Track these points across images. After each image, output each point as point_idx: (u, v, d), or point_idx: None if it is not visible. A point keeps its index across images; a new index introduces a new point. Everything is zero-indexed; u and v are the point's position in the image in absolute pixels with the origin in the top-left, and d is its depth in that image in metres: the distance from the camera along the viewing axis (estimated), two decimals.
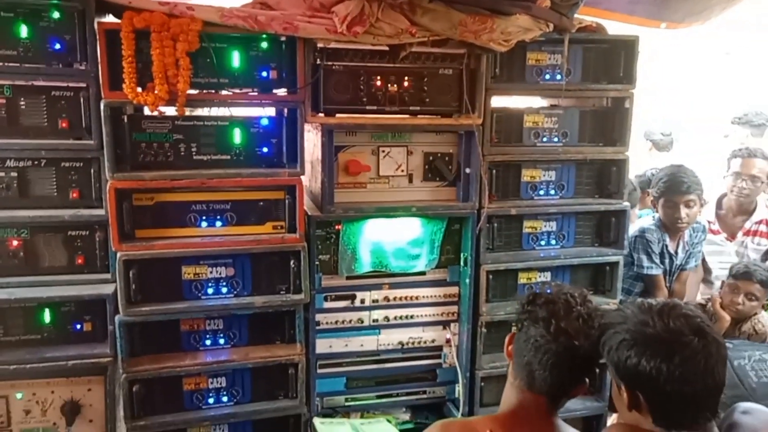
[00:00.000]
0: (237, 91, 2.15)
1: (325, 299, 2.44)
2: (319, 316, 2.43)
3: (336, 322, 2.46)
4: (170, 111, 2.08)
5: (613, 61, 2.51)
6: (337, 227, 2.39)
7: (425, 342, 2.57)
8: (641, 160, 4.85)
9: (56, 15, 2.00)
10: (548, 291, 1.69)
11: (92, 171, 2.13)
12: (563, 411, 1.74)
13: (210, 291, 2.25)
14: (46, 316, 2.17)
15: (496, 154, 2.44)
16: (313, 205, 2.42)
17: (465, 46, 2.26)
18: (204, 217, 2.22)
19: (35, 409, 2.21)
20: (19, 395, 2.19)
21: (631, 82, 2.50)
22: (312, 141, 2.38)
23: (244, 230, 2.26)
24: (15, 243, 2.13)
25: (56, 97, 2.07)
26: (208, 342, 2.32)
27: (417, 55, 2.27)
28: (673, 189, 3.30)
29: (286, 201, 2.24)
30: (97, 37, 1.98)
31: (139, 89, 1.99)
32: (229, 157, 2.21)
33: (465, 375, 2.55)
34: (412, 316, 2.54)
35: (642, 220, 3.69)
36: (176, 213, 2.20)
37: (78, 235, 2.17)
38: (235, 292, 2.27)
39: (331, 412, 2.53)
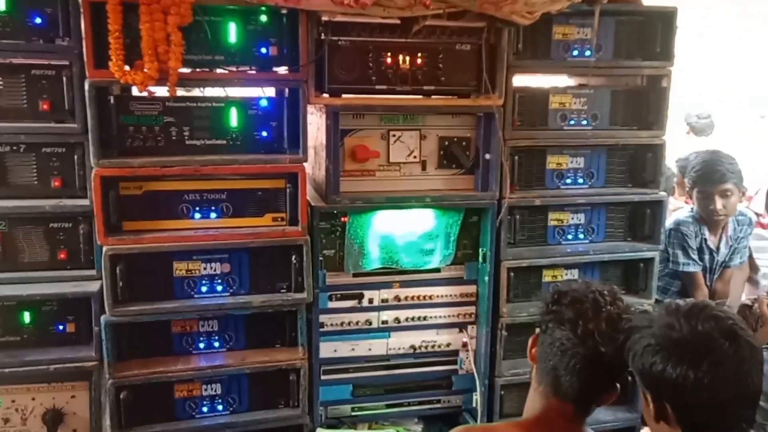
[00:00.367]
0: (233, 69, 2.17)
1: (330, 299, 2.46)
2: (323, 317, 2.45)
3: (341, 324, 2.49)
4: (161, 91, 2.09)
5: (649, 35, 2.51)
6: (342, 219, 2.41)
7: (439, 346, 2.59)
8: (679, 146, 4.84)
9: None
10: (575, 288, 1.70)
11: (75, 157, 2.15)
12: (592, 423, 1.75)
13: (204, 289, 2.27)
14: (26, 316, 2.20)
15: (518, 139, 2.45)
16: (317, 195, 2.44)
17: (484, 19, 2.27)
18: (197, 208, 2.24)
19: (14, 417, 2.25)
20: None
21: (669, 58, 2.51)
22: (315, 124, 2.40)
23: (241, 222, 2.28)
24: None
25: (36, 76, 2.10)
26: (201, 345, 2.34)
27: (431, 29, 2.28)
28: (707, 178, 3.30)
29: (287, 190, 2.26)
30: (81, 10, 1.99)
31: (127, 67, 2.01)
32: (225, 141, 2.23)
33: (483, 383, 2.57)
34: (425, 318, 2.56)
35: (678, 211, 3.69)
36: (167, 203, 2.22)
37: (60, 227, 2.20)
38: (231, 291, 2.30)
39: (336, 423, 2.55)
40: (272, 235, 2.27)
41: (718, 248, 3.44)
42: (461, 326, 2.60)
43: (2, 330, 2.20)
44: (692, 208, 3.49)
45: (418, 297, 2.54)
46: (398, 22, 2.23)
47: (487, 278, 2.51)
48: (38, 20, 2.03)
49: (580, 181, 2.59)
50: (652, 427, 1.57)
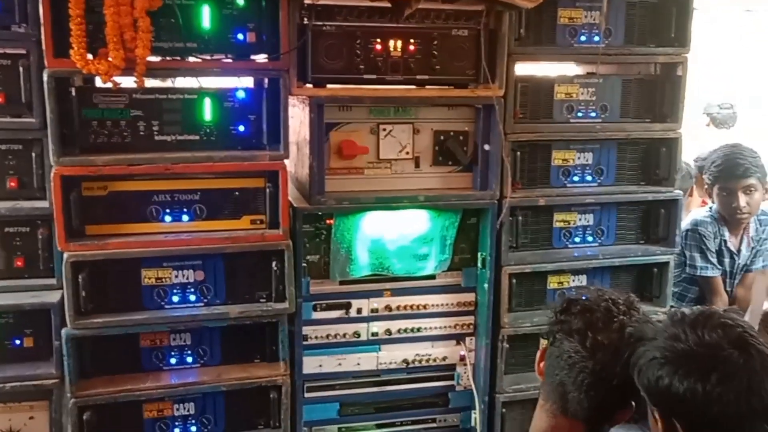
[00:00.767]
0: (207, 57, 2.20)
1: (314, 309, 2.49)
2: (306, 329, 2.48)
3: (327, 336, 2.52)
4: (127, 82, 2.12)
5: (663, 19, 2.56)
6: (328, 222, 2.44)
7: (435, 360, 2.63)
8: (698, 141, 4.89)
9: None
10: (585, 297, 1.73)
11: (33, 155, 2.17)
12: None
13: (175, 299, 2.30)
14: None
15: (520, 133, 2.49)
16: (300, 195, 2.47)
17: (483, 1, 2.30)
18: (168, 210, 2.27)
19: None
20: None
21: (685, 44, 2.55)
22: (298, 118, 2.42)
23: (216, 225, 2.31)
24: None
25: None
26: (173, 360, 2.37)
27: (425, 12, 2.32)
28: (729, 173, 3.34)
29: (267, 190, 2.29)
30: None
31: (90, 56, 2.03)
32: (198, 137, 2.26)
33: (483, 400, 2.61)
34: (419, 329, 2.59)
35: (696, 211, 3.74)
36: (135, 205, 2.24)
37: (16, 232, 2.22)
38: (205, 301, 2.32)
39: None
40: (250, 240, 2.30)
41: (739, 250, 3.49)
42: (459, 338, 2.64)
43: None
44: (711, 207, 3.53)
45: (411, 306, 2.57)
46: (388, 5, 2.25)
47: (486, 285, 2.55)
48: None
49: (589, 178, 2.64)
50: None
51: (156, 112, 2.22)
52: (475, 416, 2.63)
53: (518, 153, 2.51)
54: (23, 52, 2.08)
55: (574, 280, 2.68)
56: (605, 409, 1.69)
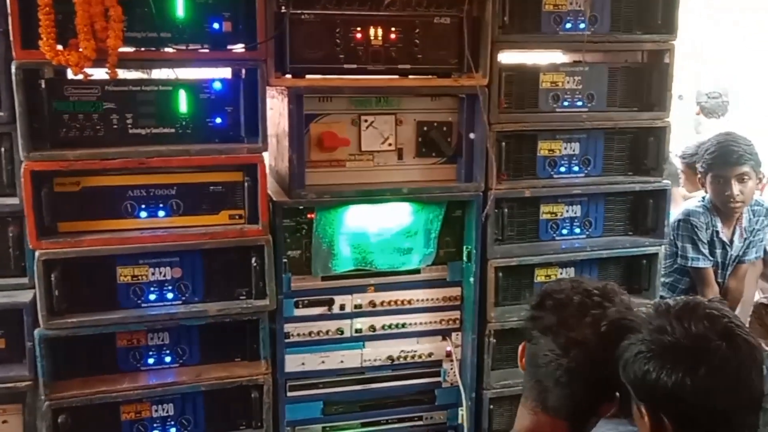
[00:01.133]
0: (182, 47, 2.19)
1: (296, 305, 2.49)
2: (288, 327, 2.48)
3: (309, 334, 2.52)
4: (100, 74, 2.10)
5: (650, 5, 2.57)
6: (309, 216, 2.43)
7: (420, 356, 2.63)
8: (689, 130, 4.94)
9: None
10: (561, 289, 1.72)
11: (2, 150, 2.16)
12: None
13: (152, 297, 2.30)
14: None
15: (505, 123, 2.50)
16: (279, 188, 2.47)
17: None
18: (143, 206, 2.26)
19: None
20: None
21: (672, 31, 2.57)
22: (277, 109, 2.42)
23: (193, 221, 2.30)
24: None
25: None
26: (150, 360, 2.36)
27: (406, 0, 2.31)
28: (722, 161, 3.37)
29: (246, 184, 2.29)
30: None
31: (60, 47, 2.01)
32: (173, 130, 2.25)
33: (470, 396, 2.62)
34: (403, 325, 2.60)
35: (688, 201, 3.77)
36: (109, 201, 2.23)
37: None
38: (183, 298, 2.32)
39: None
40: (229, 235, 2.29)
41: (731, 241, 3.52)
42: (444, 334, 2.65)
43: None
44: (703, 197, 3.56)
45: (396, 302, 2.58)
46: None
47: (472, 279, 2.56)
48: None
49: (575, 169, 2.65)
50: None
51: (130, 104, 2.21)
52: (462, 413, 2.64)
53: (503, 143, 2.52)
54: None
55: (561, 273, 2.69)
56: (586, 405, 1.68)
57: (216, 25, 2.21)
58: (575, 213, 2.69)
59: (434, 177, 2.51)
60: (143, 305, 2.29)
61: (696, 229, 3.43)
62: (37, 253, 2.13)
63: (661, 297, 2.80)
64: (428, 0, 2.35)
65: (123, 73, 2.25)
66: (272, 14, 2.20)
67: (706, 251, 3.45)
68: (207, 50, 2.23)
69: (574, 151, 2.64)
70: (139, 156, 2.18)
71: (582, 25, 2.52)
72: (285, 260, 2.41)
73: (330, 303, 2.52)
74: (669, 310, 1.54)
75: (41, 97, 2.11)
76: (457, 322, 2.65)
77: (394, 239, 2.52)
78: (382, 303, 2.57)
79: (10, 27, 2.02)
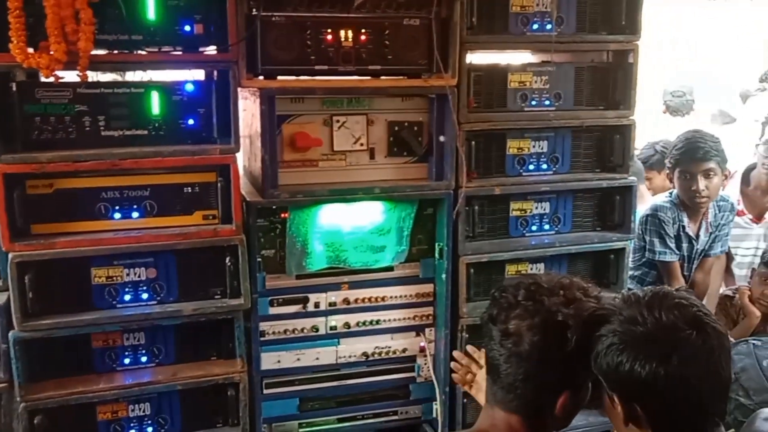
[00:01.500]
0: (154, 50, 2.17)
1: (271, 304, 2.48)
2: (263, 325, 2.47)
3: (285, 332, 2.51)
4: (72, 76, 2.08)
5: (614, 7, 2.59)
6: (282, 215, 2.42)
7: (395, 352, 2.63)
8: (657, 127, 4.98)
9: None
10: (507, 285, 1.69)
11: None
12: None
13: (127, 298, 2.27)
14: None
15: (475, 122, 2.50)
16: (253, 189, 2.46)
17: None
18: (117, 207, 2.24)
19: None
20: None
21: (636, 32, 2.59)
22: (250, 110, 2.41)
23: (167, 222, 2.28)
24: None
25: None
26: (126, 360, 2.34)
27: (376, 1, 2.31)
28: (689, 156, 3.42)
29: (219, 184, 2.27)
30: None
31: (31, 50, 1.99)
32: (146, 132, 2.23)
33: (443, 390, 2.63)
34: (377, 322, 2.60)
35: (656, 197, 3.81)
36: (82, 203, 2.21)
37: None
38: (158, 299, 2.30)
39: None
40: (203, 235, 2.28)
41: (697, 236, 3.56)
42: (418, 329, 2.65)
43: None
44: (671, 193, 3.61)
45: (370, 299, 2.58)
46: None
47: (444, 276, 2.56)
48: None
49: (544, 166, 2.66)
50: (620, 430, 1.63)
51: (102, 106, 2.18)
52: (437, 407, 2.65)
53: (473, 142, 2.52)
54: None
55: (531, 269, 2.70)
56: (534, 401, 1.64)
57: (188, 28, 2.19)
58: (544, 210, 2.70)
59: (406, 176, 2.51)
60: (118, 306, 2.26)
61: (663, 224, 3.47)
62: (10, 256, 2.11)
63: (629, 290, 2.82)
64: (398, 2, 2.34)
65: (96, 76, 2.23)
66: (243, 16, 2.19)
67: (673, 245, 3.49)
68: (179, 52, 2.21)
69: (542, 149, 2.65)
70: (112, 158, 2.15)
71: (548, 26, 2.53)
72: (259, 259, 2.40)
73: (305, 301, 2.51)
74: (639, 300, 1.55)
75: (12, 100, 2.09)
76: (430, 318, 2.65)
77: (367, 237, 2.52)
78: (356, 300, 2.56)
79: None
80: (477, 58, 2.55)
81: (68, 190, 2.19)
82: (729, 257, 3.93)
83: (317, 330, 2.54)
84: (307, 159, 2.41)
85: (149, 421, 2.36)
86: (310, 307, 2.52)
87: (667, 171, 3.65)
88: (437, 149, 2.48)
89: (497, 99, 2.57)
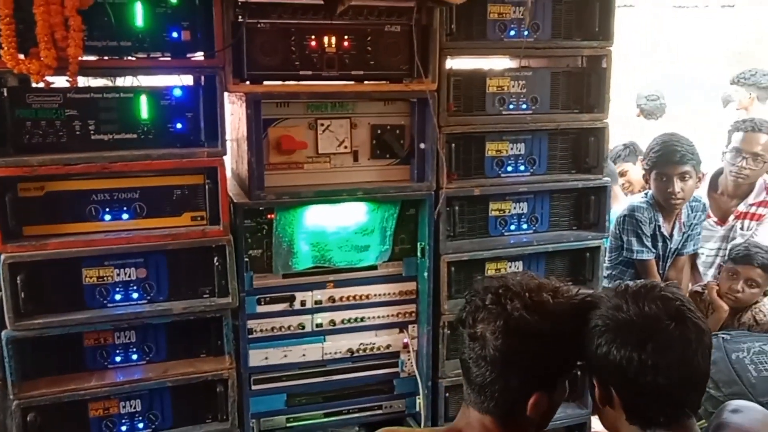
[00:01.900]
0: (143, 56, 2.18)
1: (258, 302, 2.49)
2: (251, 323, 2.48)
3: (272, 329, 2.52)
4: (62, 82, 2.08)
5: (587, 14, 2.61)
6: (269, 216, 2.44)
7: (379, 348, 2.65)
8: (631, 129, 5.03)
9: None
10: (480, 287, 1.68)
11: None
12: None
13: (118, 297, 2.28)
14: None
15: (454, 125, 2.52)
16: (240, 190, 2.47)
17: None
18: (107, 209, 2.24)
19: None
20: None
21: (608, 38, 2.62)
22: (237, 114, 2.42)
23: (156, 223, 2.29)
24: None
25: None
26: (117, 358, 2.34)
27: (358, 9, 2.33)
28: (666, 159, 3.46)
29: (207, 186, 2.28)
30: None
31: (21, 56, 1.99)
32: (135, 135, 2.24)
33: (426, 385, 2.65)
34: (362, 319, 2.62)
35: (633, 197, 3.85)
36: (73, 205, 2.21)
37: None
38: (148, 298, 2.31)
39: None
40: (191, 236, 2.28)
41: (671, 235, 3.61)
42: (401, 326, 2.67)
43: None
44: (646, 193, 3.65)
45: (354, 297, 2.59)
46: (322, 2, 2.27)
47: (426, 274, 2.58)
48: None
49: (522, 168, 2.68)
50: (599, 412, 1.66)
51: (92, 111, 2.19)
52: (420, 401, 2.66)
53: (453, 145, 2.54)
54: None
55: (510, 267, 2.73)
56: (508, 405, 1.61)
57: (175, 34, 2.20)
58: (522, 210, 2.72)
59: (388, 177, 2.53)
60: (109, 305, 2.27)
61: (640, 224, 3.52)
62: (2, 257, 2.11)
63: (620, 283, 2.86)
64: (379, 9, 2.36)
65: (88, 81, 2.24)
66: (229, 23, 2.20)
67: (649, 244, 3.53)
68: (167, 58, 2.22)
69: (520, 151, 2.67)
70: (102, 161, 2.16)
71: (525, 33, 2.56)
72: (247, 259, 2.41)
73: (291, 299, 2.53)
74: (627, 290, 1.58)
75: (4, 105, 2.09)
76: (413, 315, 2.67)
77: (351, 237, 2.54)
78: (341, 298, 2.58)
79: None
80: (456, 63, 2.57)
81: (59, 192, 2.19)
82: (695, 255, 3.98)
83: (303, 327, 2.55)
84: (293, 161, 2.42)
85: (140, 418, 2.37)
86: (297, 306, 2.53)
87: (644, 172, 3.70)
88: (419, 152, 2.50)
89: (476, 103, 2.59)
